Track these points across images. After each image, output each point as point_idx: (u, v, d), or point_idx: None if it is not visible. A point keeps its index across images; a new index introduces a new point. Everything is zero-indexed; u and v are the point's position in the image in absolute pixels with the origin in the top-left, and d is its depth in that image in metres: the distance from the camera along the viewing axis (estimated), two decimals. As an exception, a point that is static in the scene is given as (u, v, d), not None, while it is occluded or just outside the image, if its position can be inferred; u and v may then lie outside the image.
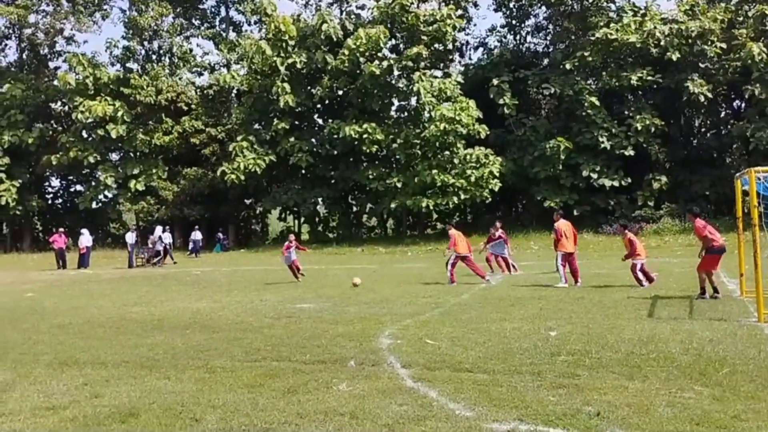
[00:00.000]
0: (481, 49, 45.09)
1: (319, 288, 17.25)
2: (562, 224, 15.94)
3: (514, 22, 43.32)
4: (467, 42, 45.50)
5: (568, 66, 36.33)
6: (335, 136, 36.63)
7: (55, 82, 43.17)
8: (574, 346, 8.38)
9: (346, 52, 36.14)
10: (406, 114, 39.34)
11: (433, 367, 7.55)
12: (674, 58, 35.01)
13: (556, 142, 35.41)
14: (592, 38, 36.52)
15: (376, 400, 6.32)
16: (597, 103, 36.03)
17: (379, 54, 37.12)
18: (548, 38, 44.06)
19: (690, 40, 35.35)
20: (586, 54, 36.24)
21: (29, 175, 42.67)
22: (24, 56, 45.85)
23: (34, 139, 41.20)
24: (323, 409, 6.07)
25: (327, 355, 8.45)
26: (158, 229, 30.31)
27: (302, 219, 43.23)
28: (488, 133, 36.03)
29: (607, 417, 5.48)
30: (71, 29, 46.02)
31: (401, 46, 39.06)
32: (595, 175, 36.13)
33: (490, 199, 36.21)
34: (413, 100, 37.91)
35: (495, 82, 37.19)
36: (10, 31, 44.65)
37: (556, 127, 37.66)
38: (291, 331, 10.35)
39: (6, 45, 45.29)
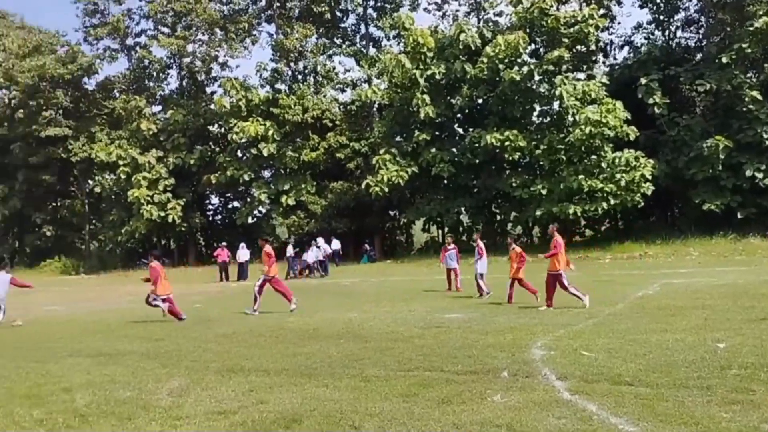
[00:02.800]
0: (626, 48, 43.17)
1: (466, 298, 17.20)
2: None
3: (661, 17, 41.08)
4: (611, 41, 43.74)
5: (724, 59, 33.93)
6: (476, 145, 36.40)
7: (212, 106, 46.15)
8: (747, 359, 7.80)
9: (485, 60, 35.89)
10: (548, 119, 38.37)
11: (591, 380, 7.30)
12: None
13: (714, 140, 33.12)
14: (751, 28, 33.91)
15: (532, 412, 6.20)
16: (759, 97, 33.38)
17: (519, 60, 36.52)
18: (700, 32, 41.38)
19: None
20: (744, 46, 33.71)
21: (192, 194, 45.83)
22: (184, 83, 49.45)
23: (195, 160, 44.24)
24: (479, 420, 6.03)
25: (479, 365, 8.40)
26: (320, 240, 31.78)
27: (446, 229, 43.25)
28: (638, 134, 34.36)
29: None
30: (224, 56, 49.15)
31: (541, 50, 38.21)
32: (760, 175, 33.43)
33: (642, 204, 34.48)
34: (556, 105, 36.88)
35: (643, 81, 35.43)
36: (171, 61, 48.32)
37: (713, 125, 35.25)
38: (441, 341, 10.38)
39: (168, 74, 49.07)
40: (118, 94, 49.02)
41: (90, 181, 49.83)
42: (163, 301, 15.25)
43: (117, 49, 48.28)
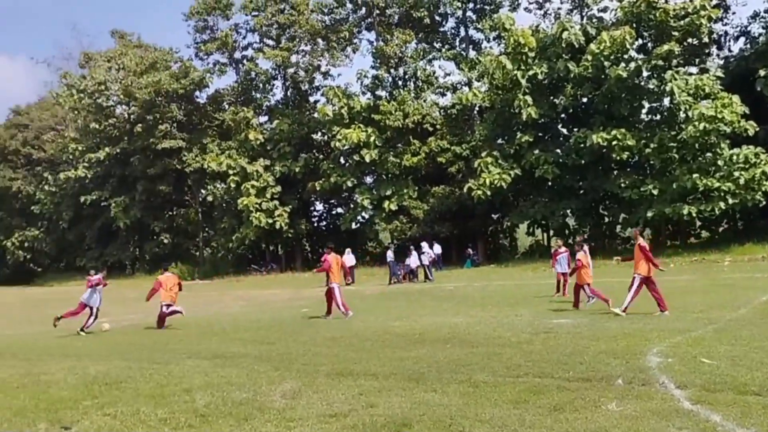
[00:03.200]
0: (742, 39, 40.87)
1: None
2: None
3: (782, 3, 38.66)
4: (725, 33, 41.53)
5: None
6: (582, 145, 35.45)
7: (315, 115, 47.24)
8: None
9: (590, 58, 34.91)
10: (658, 116, 36.85)
11: (713, 389, 6.95)
12: None
13: (843, 133, 30.84)
14: None
15: (651, 422, 5.97)
16: None
17: (626, 56, 35.28)
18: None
19: None
20: None
21: (297, 201, 47.07)
22: (288, 93, 50.91)
23: (300, 168, 45.43)
24: (593, 429, 5.87)
25: (591, 372, 8.17)
26: (424, 245, 31.90)
27: (551, 232, 42.36)
28: (757, 129, 32.40)
29: None
30: (327, 65, 50.28)
31: (649, 45, 36.77)
32: None
33: (764, 203, 32.45)
34: (666, 101, 35.38)
35: (762, 73, 33.42)
36: (276, 72, 49.85)
37: (840, 117, 32.82)
38: (550, 347, 10.17)
39: (273, 85, 50.65)
40: (227, 106, 51.08)
41: (203, 191, 52.18)
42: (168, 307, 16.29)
43: (225, 62, 50.36)
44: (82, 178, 53.36)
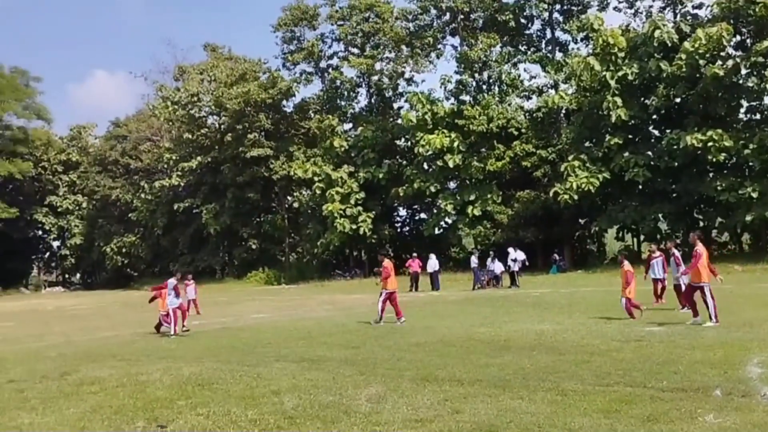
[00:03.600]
0: None
1: (668, 310, 16.13)
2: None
3: None
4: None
5: None
6: (675, 147, 34.13)
7: (399, 121, 47.50)
8: None
9: (683, 57, 33.60)
10: (758, 116, 35.09)
11: (822, 403, 6.53)
12: None
13: None
14: None
15: (752, 436, 5.67)
16: None
17: (722, 53, 33.80)
18: None
19: None
20: None
21: (381, 207, 47.38)
22: (372, 100, 51.42)
23: (384, 174, 45.73)
24: (690, 442, 5.62)
25: (686, 382, 7.85)
26: (511, 250, 31.48)
27: (641, 237, 40.96)
28: None
29: None
30: (410, 71, 50.51)
31: (748, 41, 35.09)
32: None
33: None
34: (767, 100, 33.68)
35: None
36: (361, 80, 50.47)
37: None
38: (642, 356, 9.83)
39: (358, 92, 51.28)
40: (312, 114, 52.06)
41: (289, 197, 53.34)
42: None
43: (311, 72, 51.35)
44: (175, 186, 55.57)
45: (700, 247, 13.51)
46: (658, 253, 18.66)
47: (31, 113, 67.41)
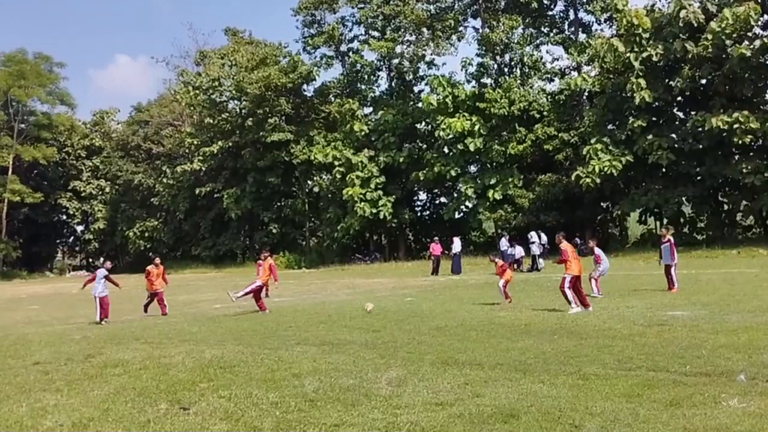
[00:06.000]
0: None
1: (691, 294, 15.96)
2: (568, 246, 14.60)
3: None
4: None
5: None
6: (700, 129, 33.65)
7: (419, 104, 47.24)
8: None
9: (710, 37, 33.01)
10: (786, 97, 34.51)
11: None
12: None
13: None
14: None
15: (777, 421, 5.59)
16: None
17: (750, 33, 33.15)
18: None
19: None
20: None
21: (401, 191, 47.29)
22: (393, 84, 51.17)
23: (404, 158, 45.61)
24: (714, 426, 5.57)
25: (710, 367, 7.76)
26: (533, 234, 31.35)
27: (665, 221, 40.49)
28: None
29: None
30: (431, 54, 50.12)
31: (776, 20, 34.44)
32: None
33: None
34: (795, 80, 33.08)
35: None
36: (381, 63, 50.21)
37: None
38: (665, 340, 9.74)
39: (378, 76, 51.01)
40: (333, 99, 51.92)
41: (309, 182, 53.38)
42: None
43: (332, 56, 51.15)
44: (197, 171, 55.87)
45: (564, 245, 14.57)
46: (666, 238, 18.15)
47: (54, 99, 68.10)
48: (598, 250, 17.71)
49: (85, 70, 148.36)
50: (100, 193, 69.62)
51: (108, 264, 18.98)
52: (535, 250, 30.56)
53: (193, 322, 15.89)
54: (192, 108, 57.57)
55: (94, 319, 17.25)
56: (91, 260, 78.84)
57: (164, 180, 59.90)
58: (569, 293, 14.17)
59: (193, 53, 62.45)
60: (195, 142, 56.08)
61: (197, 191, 55.02)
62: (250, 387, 7.99)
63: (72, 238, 77.57)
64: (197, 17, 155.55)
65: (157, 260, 20.14)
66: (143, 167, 65.00)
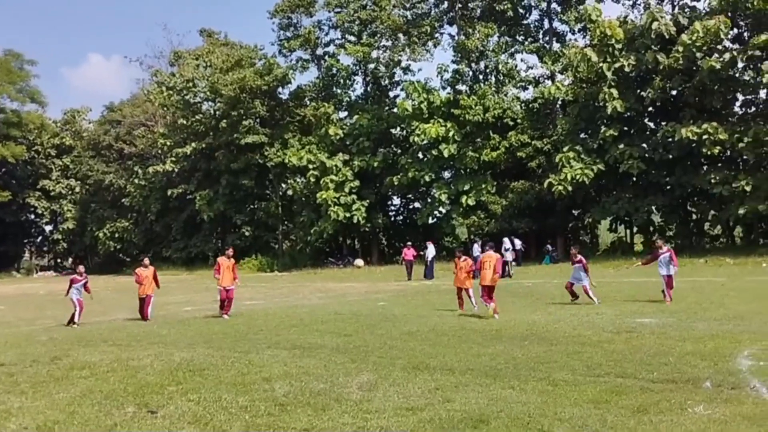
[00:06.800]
0: None
1: (659, 302, 16.18)
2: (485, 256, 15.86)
3: None
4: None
5: None
6: (670, 140, 34.19)
7: (395, 110, 47.28)
8: None
9: (681, 49, 33.56)
10: (753, 109, 35.15)
11: (811, 396, 6.55)
12: None
13: None
14: None
15: (741, 426, 5.71)
16: None
17: (719, 47, 33.77)
18: None
19: None
20: None
21: (375, 195, 47.26)
22: (368, 89, 51.14)
23: (379, 162, 45.63)
24: (680, 433, 5.64)
25: (676, 374, 7.88)
26: (506, 241, 31.50)
27: (635, 229, 41.08)
28: None
29: None
30: (407, 60, 50.11)
31: (746, 35, 35.05)
32: None
33: None
34: (763, 93, 33.79)
35: None
36: (357, 68, 50.18)
37: None
38: (633, 347, 9.87)
39: (354, 80, 50.96)
40: (308, 102, 51.78)
41: (283, 185, 53.14)
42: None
43: (308, 59, 51.02)
44: (169, 172, 55.30)
45: (462, 260, 16.56)
46: (665, 248, 17.35)
47: (24, 97, 66.91)
48: (581, 257, 17.69)
49: (58, 69, 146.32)
50: (70, 192, 68.56)
51: (81, 268, 18.27)
52: (508, 256, 30.71)
53: (163, 325, 15.72)
54: (165, 108, 57.00)
55: (61, 320, 16.99)
56: (59, 260, 77.59)
57: (136, 181, 59.18)
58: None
59: (167, 53, 61.88)
60: (168, 143, 55.55)
61: (169, 192, 54.46)
62: (220, 390, 7.93)
63: (40, 238, 76.20)
64: (172, 17, 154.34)
65: (146, 261, 18.88)
66: (114, 167, 64.13)
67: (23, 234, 73.36)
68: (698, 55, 33.27)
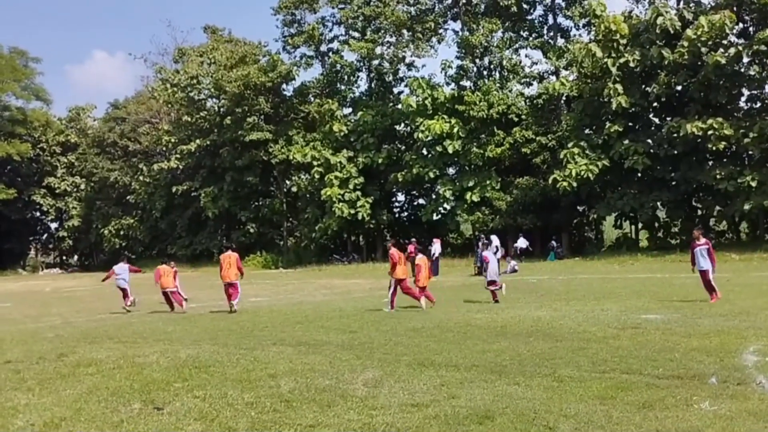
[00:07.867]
0: None
1: (665, 298, 16.16)
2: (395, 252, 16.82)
3: None
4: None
5: None
6: (675, 135, 34.09)
7: (399, 106, 47.26)
8: None
9: (686, 44, 33.45)
10: (759, 104, 35.01)
11: (817, 392, 6.54)
12: None
13: None
14: None
15: (747, 422, 5.69)
16: None
17: (725, 41, 33.64)
18: None
19: None
20: None
21: (380, 192, 47.29)
22: (372, 85, 51.10)
23: (383, 159, 45.63)
24: (686, 428, 5.65)
25: (682, 370, 7.86)
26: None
27: (640, 225, 41.00)
28: None
29: None
30: (411, 56, 50.10)
31: (751, 29, 34.93)
32: None
33: None
34: (768, 88, 33.63)
35: None
36: (361, 64, 50.16)
37: None
38: (638, 343, 9.85)
39: (358, 77, 50.93)
40: (312, 99, 51.77)
41: (287, 181, 53.21)
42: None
43: (312, 55, 51.02)
44: (174, 169, 55.43)
45: (419, 257, 17.38)
46: (702, 240, 15.76)
47: (29, 94, 67.15)
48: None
49: (62, 66, 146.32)
50: (75, 190, 68.76)
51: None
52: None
53: (169, 322, 15.77)
54: (170, 105, 57.11)
55: (66, 317, 17.06)
56: (65, 258, 77.87)
57: (141, 178, 59.33)
58: None
59: (171, 50, 61.96)
60: (172, 140, 55.62)
61: (174, 189, 54.56)
62: (225, 387, 7.95)
63: (46, 235, 76.49)
64: (176, 14, 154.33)
65: (173, 263, 20.10)
66: (119, 164, 64.26)
67: (29, 231, 73.63)
68: (703, 50, 33.15)
